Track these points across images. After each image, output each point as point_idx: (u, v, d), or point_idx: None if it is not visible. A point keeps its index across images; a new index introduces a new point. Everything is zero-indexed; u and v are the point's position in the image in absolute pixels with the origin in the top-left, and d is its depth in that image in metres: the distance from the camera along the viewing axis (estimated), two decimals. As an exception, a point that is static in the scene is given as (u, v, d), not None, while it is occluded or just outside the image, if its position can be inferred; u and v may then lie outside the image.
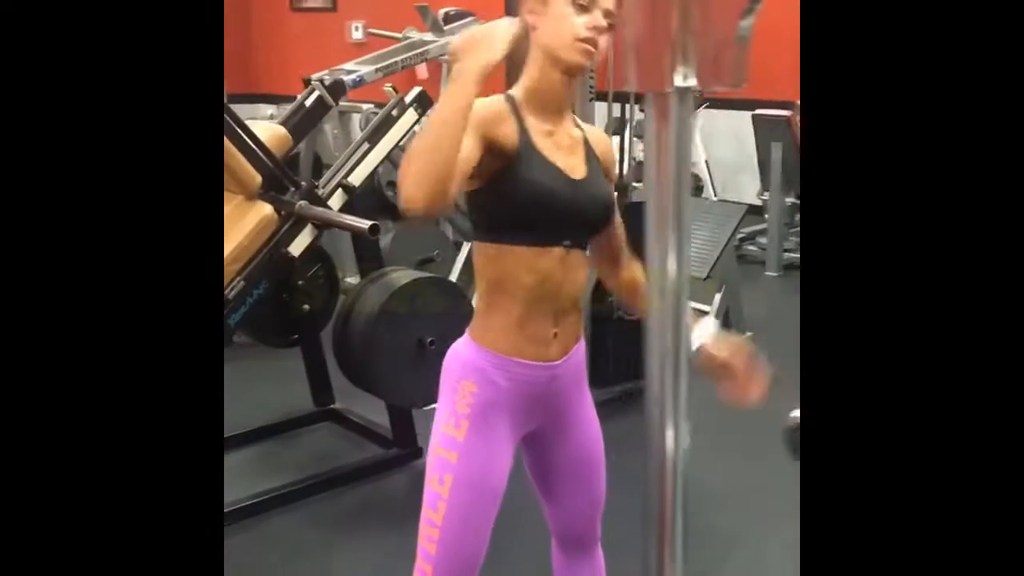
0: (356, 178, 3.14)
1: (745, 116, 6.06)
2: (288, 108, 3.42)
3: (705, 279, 4.35)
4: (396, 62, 3.67)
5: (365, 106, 5.72)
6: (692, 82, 0.59)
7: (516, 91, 1.64)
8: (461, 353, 1.67)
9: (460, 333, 1.72)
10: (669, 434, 0.71)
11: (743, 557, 2.74)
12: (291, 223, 2.99)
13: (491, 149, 1.53)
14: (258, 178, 2.93)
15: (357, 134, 5.75)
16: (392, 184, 5.20)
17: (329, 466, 3.26)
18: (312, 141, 5.27)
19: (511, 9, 1.46)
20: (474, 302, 3.31)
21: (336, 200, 3.10)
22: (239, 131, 2.87)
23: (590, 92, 3.72)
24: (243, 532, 2.88)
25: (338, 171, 3.17)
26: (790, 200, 6.08)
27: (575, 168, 1.64)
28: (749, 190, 6.38)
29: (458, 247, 4.87)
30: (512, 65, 1.64)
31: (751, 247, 6.22)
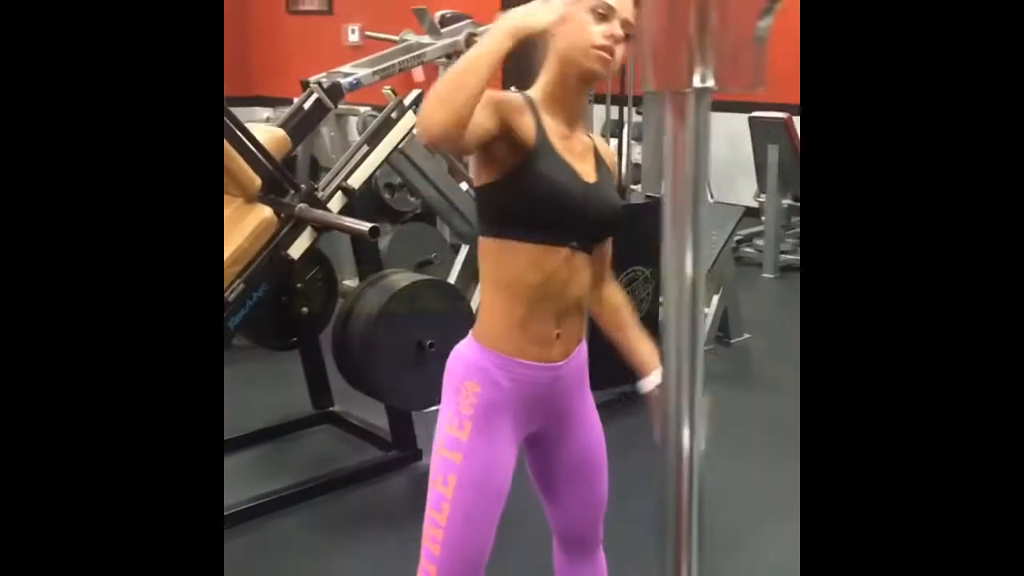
0: (355, 181, 3.14)
1: (741, 118, 6.08)
2: (285, 111, 3.42)
3: (703, 281, 4.35)
4: (393, 65, 3.66)
5: (362, 109, 5.73)
6: (710, 82, 0.59)
7: (533, 92, 1.65)
8: (464, 354, 1.67)
9: (459, 335, 1.72)
10: (685, 433, 0.70)
11: (743, 557, 2.75)
12: (291, 226, 2.99)
13: (508, 137, 1.54)
14: (258, 181, 2.93)
15: (354, 136, 5.76)
16: (390, 187, 5.21)
17: (328, 469, 3.26)
18: (309, 144, 5.28)
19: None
20: (473, 304, 3.32)
21: (335, 202, 3.09)
22: (239, 134, 2.87)
23: (588, 95, 3.72)
24: (242, 535, 2.87)
25: (337, 173, 3.16)
26: (787, 202, 6.09)
27: (587, 172, 1.65)
28: (746, 192, 6.40)
29: (456, 250, 4.86)
30: (518, 69, 1.65)
31: (748, 249, 6.23)
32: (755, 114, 6.04)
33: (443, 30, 4.01)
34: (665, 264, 0.68)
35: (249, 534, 2.89)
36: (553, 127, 1.62)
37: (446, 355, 1.71)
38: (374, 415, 3.46)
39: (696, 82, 0.59)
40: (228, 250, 2.81)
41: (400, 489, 3.25)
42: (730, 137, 6.22)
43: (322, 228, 3.05)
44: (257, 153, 2.92)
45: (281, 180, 3.01)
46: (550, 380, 1.66)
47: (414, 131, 3.30)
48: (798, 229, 6.32)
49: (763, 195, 6.07)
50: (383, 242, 4.57)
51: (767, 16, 0.59)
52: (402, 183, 4.86)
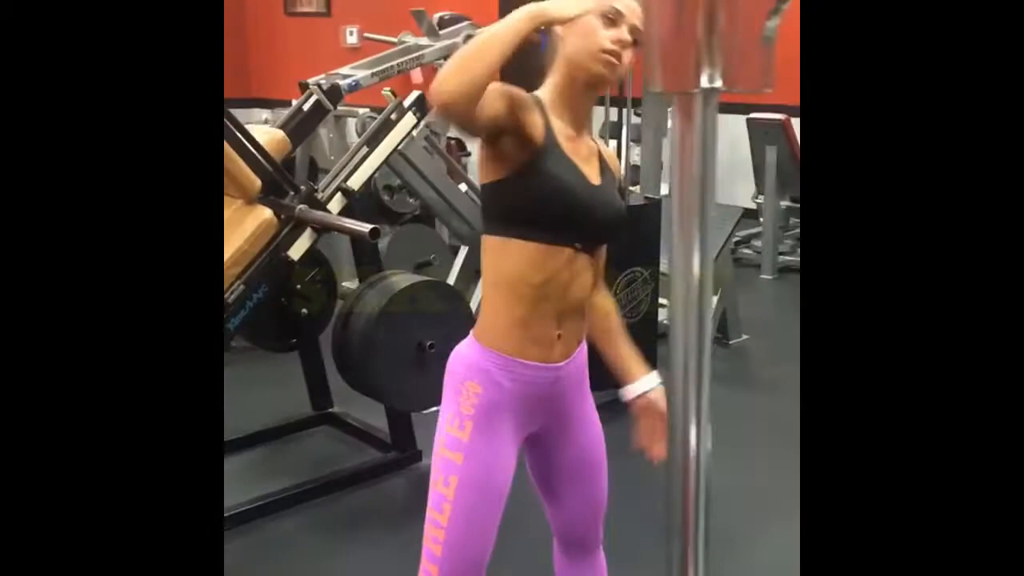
0: (355, 182, 3.14)
1: (739, 120, 6.08)
2: (283, 112, 3.42)
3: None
4: (392, 66, 3.67)
5: (361, 110, 5.72)
6: (718, 83, 0.59)
7: (542, 93, 1.66)
8: (465, 354, 1.67)
9: (459, 336, 1.72)
10: (692, 432, 0.71)
11: (743, 557, 2.75)
12: (291, 227, 2.99)
13: (517, 131, 1.54)
14: (258, 182, 2.93)
15: (353, 138, 5.75)
16: (389, 188, 5.21)
17: (328, 470, 3.26)
18: (308, 145, 5.27)
19: (506, 14, 1.48)
20: (473, 305, 3.32)
21: (335, 204, 3.09)
22: (239, 135, 2.87)
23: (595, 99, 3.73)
24: (242, 536, 2.88)
25: (337, 175, 3.17)
26: (785, 203, 6.09)
27: (593, 175, 1.66)
28: (744, 194, 6.40)
29: (455, 251, 4.87)
30: (522, 74, 1.65)
31: (746, 250, 6.24)
32: (753, 115, 6.04)
33: (441, 32, 4.01)
34: (672, 264, 0.68)
35: (249, 535, 2.90)
36: (560, 128, 1.63)
37: (446, 356, 1.71)
38: (373, 416, 3.46)
39: (704, 83, 0.59)
40: (228, 252, 2.81)
41: (400, 490, 3.25)
42: (728, 139, 6.23)
43: (322, 229, 3.05)
44: (257, 155, 2.92)
45: (281, 181, 3.01)
46: (551, 381, 1.66)
47: (414, 132, 3.31)
48: (796, 230, 6.33)
49: (761, 196, 6.07)
50: (382, 243, 4.57)
51: (775, 16, 0.59)
52: (401, 185, 4.87)
